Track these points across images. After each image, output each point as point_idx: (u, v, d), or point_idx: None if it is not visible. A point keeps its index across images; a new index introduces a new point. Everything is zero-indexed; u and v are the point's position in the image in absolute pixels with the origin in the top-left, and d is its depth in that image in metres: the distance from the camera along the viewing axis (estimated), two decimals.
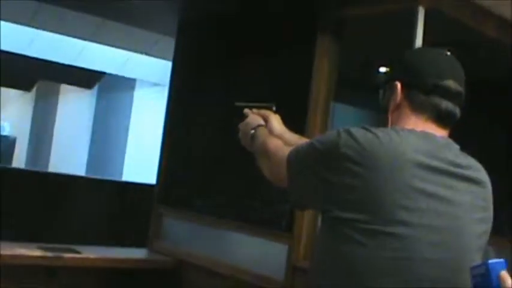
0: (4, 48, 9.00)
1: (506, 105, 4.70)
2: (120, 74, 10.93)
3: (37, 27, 7.40)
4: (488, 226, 1.72)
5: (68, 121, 13.99)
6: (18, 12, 6.04)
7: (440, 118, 1.75)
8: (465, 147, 1.80)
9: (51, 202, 4.42)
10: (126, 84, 12.24)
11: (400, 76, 1.79)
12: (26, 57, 10.54)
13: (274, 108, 2.29)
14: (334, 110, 3.74)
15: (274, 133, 2.17)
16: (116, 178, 10.60)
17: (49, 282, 3.84)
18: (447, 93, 1.74)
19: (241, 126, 2.23)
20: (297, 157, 1.77)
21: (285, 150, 1.84)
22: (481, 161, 1.81)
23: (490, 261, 1.26)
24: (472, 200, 1.69)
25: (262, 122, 2.20)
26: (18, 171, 5.57)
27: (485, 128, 4.83)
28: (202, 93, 4.54)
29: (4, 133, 12.21)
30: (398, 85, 1.78)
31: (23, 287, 3.70)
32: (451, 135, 1.80)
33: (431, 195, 1.59)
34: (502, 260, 1.26)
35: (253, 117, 2.24)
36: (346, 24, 3.66)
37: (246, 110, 2.28)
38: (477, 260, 1.59)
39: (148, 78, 11.19)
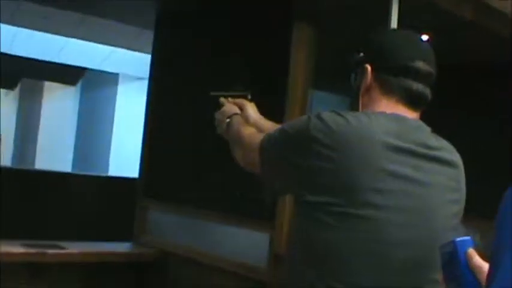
0: None
1: (490, 88, 4.72)
2: (102, 69, 10.89)
3: (16, 25, 7.36)
4: (460, 207, 1.73)
5: (53, 118, 13.93)
6: None
7: (411, 100, 1.75)
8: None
9: (33, 199, 4.41)
10: (109, 80, 12.21)
11: (370, 59, 1.80)
12: (7, 55, 10.48)
13: (249, 97, 2.30)
14: (313, 98, 3.74)
15: (249, 121, 2.17)
16: (101, 173, 10.59)
17: (33, 280, 3.83)
18: (417, 75, 1.75)
19: (217, 115, 2.24)
20: (269, 143, 1.78)
21: (258, 137, 1.85)
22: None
23: (457, 239, 1.27)
24: (443, 181, 1.70)
25: (237, 111, 2.21)
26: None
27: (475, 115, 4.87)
28: (181, 85, 4.53)
29: None
30: (369, 68, 1.78)
31: (6, 286, 3.68)
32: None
33: (401, 177, 1.60)
34: (468, 237, 1.27)
35: (229, 106, 2.24)
36: (322, 11, 3.66)
37: (222, 99, 2.29)
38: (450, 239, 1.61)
39: (131, 72, 11.17)
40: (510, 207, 0.94)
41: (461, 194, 1.76)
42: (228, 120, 2.17)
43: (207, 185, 4.18)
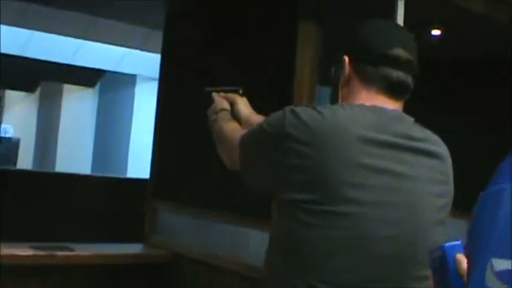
0: (1, 50, 9.00)
1: (500, 83, 4.64)
2: (118, 70, 10.92)
3: (27, 28, 7.39)
4: (448, 200, 1.67)
5: (72, 120, 13.99)
6: (6, 13, 6.01)
7: (392, 89, 1.70)
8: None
9: (44, 201, 4.40)
10: (126, 81, 12.24)
11: (347, 50, 1.75)
12: (28, 58, 10.55)
13: (240, 91, 2.27)
14: (320, 94, 3.70)
15: (240, 116, 2.14)
16: (120, 175, 10.61)
17: (42, 282, 3.82)
18: (396, 63, 1.69)
19: (208, 111, 2.22)
20: (248, 140, 1.75)
21: (240, 134, 1.82)
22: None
23: (446, 244, 1.22)
24: (427, 173, 1.64)
25: (226, 106, 2.18)
26: (7, 172, 5.55)
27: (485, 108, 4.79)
28: (190, 85, 4.50)
29: (7, 135, 12.21)
30: (346, 59, 1.74)
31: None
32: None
33: (381, 171, 1.55)
34: (458, 242, 1.22)
35: (219, 101, 2.22)
36: (326, 6, 3.62)
37: (214, 94, 2.26)
38: (436, 234, 1.56)
39: (148, 73, 11.18)
40: (485, 210, 0.89)
41: (449, 187, 1.70)
42: (214, 116, 2.14)
43: (218, 185, 4.15)
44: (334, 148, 1.53)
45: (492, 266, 0.83)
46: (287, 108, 1.64)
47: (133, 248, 4.39)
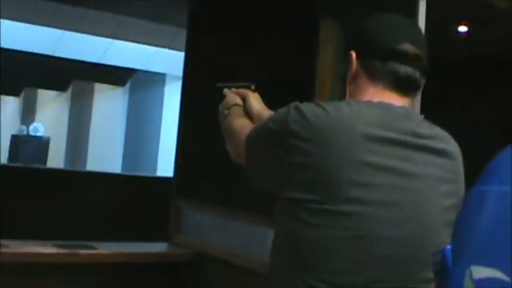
0: (31, 50, 9.09)
1: None
2: (148, 69, 10.96)
3: (57, 28, 7.44)
4: (457, 199, 1.60)
5: (103, 119, 14.09)
6: (37, 14, 6.07)
7: (399, 85, 1.65)
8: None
9: (68, 199, 4.42)
10: (156, 80, 12.28)
11: (355, 45, 1.72)
12: (60, 58, 10.64)
13: (253, 87, 2.24)
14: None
15: (252, 112, 2.11)
16: (150, 174, 10.65)
17: (66, 280, 3.83)
18: (404, 58, 1.65)
19: (220, 107, 2.20)
20: (254, 136, 1.72)
21: (248, 130, 1.79)
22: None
23: (447, 247, 1.19)
24: (435, 172, 1.59)
25: (238, 101, 2.15)
26: (28, 169, 5.58)
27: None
28: (213, 84, 4.49)
29: (38, 134, 12.31)
30: (353, 54, 1.70)
31: (39, 286, 3.69)
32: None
33: (386, 169, 1.51)
34: None
35: (231, 96, 2.19)
36: (347, 4, 3.58)
37: (225, 90, 2.24)
38: (444, 235, 1.51)
39: (177, 72, 11.18)
40: (467, 210, 0.86)
41: (458, 186, 1.65)
42: (226, 112, 2.11)
43: (241, 184, 4.12)
44: (337, 145, 1.50)
45: (471, 273, 0.79)
46: (292, 105, 1.61)
47: (157, 247, 4.39)
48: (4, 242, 3.73)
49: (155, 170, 11.64)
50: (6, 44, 9.11)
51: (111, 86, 13.94)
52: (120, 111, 13.95)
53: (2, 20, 7.28)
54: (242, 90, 2.22)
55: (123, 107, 13.97)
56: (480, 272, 0.78)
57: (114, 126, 13.86)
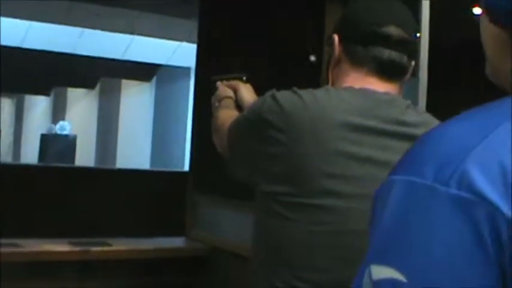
0: (53, 49, 9.12)
1: None
2: (171, 64, 10.95)
3: (74, 25, 7.45)
4: None
5: (131, 115, 14.13)
6: (51, 12, 6.06)
7: (383, 69, 1.56)
8: None
9: (83, 196, 4.39)
10: (181, 74, 12.26)
11: (337, 29, 1.63)
12: (85, 56, 10.70)
13: (244, 78, 2.18)
14: None
15: (244, 103, 2.05)
16: (178, 169, 10.63)
17: (80, 278, 3.81)
18: (388, 41, 1.55)
19: (212, 100, 2.14)
20: (234, 127, 1.66)
21: (231, 121, 1.73)
22: None
23: None
24: None
25: (230, 94, 2.08)
26: (42, 168, 5.57)
27: None
28: (229, 75, 4.43)
29: (64, 132, 12.36)
30: (336, 39, 1.61)
31: (52, 285, 3.68)
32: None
33: (365, 160, 1.43)
34: None
35: (222, 89, 2.13)
36: None
37: (218, 83, 2.18)
38: None
39: None
40: (375, 203, 0.78)
41: None
42: (216, 104, 2.05)
43: None
44: (312, 135, 1.42)
45: (370, 273, 0.71)
46: (269, 93, 1.54)
47: (173, 242, 4.35)
48: (17, 241, 3.73)
49: (183, 164, 11.62)
50: (29, 45, 9.19)
51: (137, 82, 13.97)
52: (147, 107, 13.97)
53: (21, 20, 7.32)
54: (233, 82, 2.16)
55: (150, 102, 13.99)
56: (379, 272, 0.69)
57: (141, 121, 13.89)
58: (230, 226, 4.24)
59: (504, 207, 0.64)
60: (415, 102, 2.46)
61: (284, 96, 1.50)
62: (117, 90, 14.58)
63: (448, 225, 0.66)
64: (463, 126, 0.73)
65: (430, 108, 2.50)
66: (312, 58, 2.15)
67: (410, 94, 2.45)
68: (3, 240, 3.65)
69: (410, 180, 0.71)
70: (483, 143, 0.68)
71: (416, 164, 0.72)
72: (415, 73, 1.85)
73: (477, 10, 4.19)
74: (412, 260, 0.67)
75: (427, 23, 2.59)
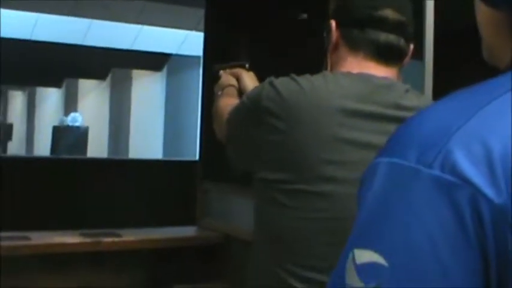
0: (63, 40, 9.13)
1: None
2: (181, 53, 10.93)
3: (82, 17, 7.45)
4: None
5: (143, 105, 14.13)
6: (58, 4, 6.06)
7: (380, 53, 1.55)
8: None
9: (92, 187, 4.41)
10: (192, 63, 12.24)
11: (334, 14, 1.62)
12: (95, 47, 10.71)
13: (247, 66, 2.17)
14: None
15: (247, 91, 2.04)
16: (190, 158, 10.62)
17: (91, 269, 3.81)
18: (385, 24, 1.55)
19: (214, 88, 2.13)
20: (234, 115, 1.65)
21: (230, 109, 1.72)
22: None
23: None
24: None
25: (233, 82, 2.08)
26: (52, 160, 5.58)
27: None
28: (232, 63, 4.41)
29: (76, 124, 12.37)
30: (333, 24, 1.61)
31: (63, 277, 3.68)
32: None
33: (363, 145, 1.42)
34: None
35: (225, 77, 2.13)
36: None
37: (220, 71, 2.18)
38: None
39: None
40: (361, 186, 0.77)
41: None
42: (219, 93, 2.05)
43: None
44: (309, 122, 1.41)
45: (354, 257, 0.70)
46: (267, 80, 1.54)
47: (185, 232, 4.35)
48: (28, 233, 3.74)
49: (195, 153, 11.61)
50: (39, 37, 9.20)
51: (148, 72, 13.97)
52: (159, 96, 13.97)
53: (29, 13, 7.33)
54: (236, 70, 2.16)
55: (161, 91, 13.98)
56: (362, 256, 0.68)
57: (153, 111, 13.89)
58: (242, 214, 4.23)
59: (487, 190, 0.63)
60: (421, 85, 2.43)
61: (282, 83, 1.50)
62: (128, 81, 14.58)
63: (430, 208, 0.65)
64: (448, 107, 0.72)
65: (437, 91, 2.48)
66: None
67: (416, 77, 2.43)
68: (15, 233, 3.66)
69: (393, 162, 0.69)
70: (467, 124, 0.67)
71: (400, 146, 0.71)
72: (421, 56, 1.83)
73: None
74: (393, 243, 0.66)
75: (432, 4, 2.56)
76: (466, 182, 0.64)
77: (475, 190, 0.64)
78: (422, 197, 0.66)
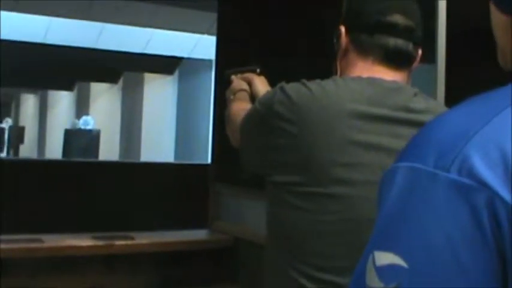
0: (76, 44, 9.17)
1: None
2: (193, 57, 10.96)
3: (94, 20, 7.49)
4: None
5: (155, 109, 14.17)
6: (73, 8, 6.09)
7: (389, 58, 1.57)
8: None
9: (104, 190, 4.43)
10: (203, 66, 12.27)
11: (343, 20, 1.64)
12: (107, 51, 10.75)
13: (258, 70, 2.18)
14: None
15: (258, 95, 2.05)
16: (202, 161, 10.65)
17: (104, 272, 3.83)
18: (394, 29, 1.56)
19: (226, 93, 2.14)
20: (246, 120, 1.67)
21: (243, 114, 1.73)
22: None
23: None
24: None
25: (244, 87, 2.09)
26: (66, 163, 5.61)
27: None
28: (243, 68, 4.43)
29: (88, 127, 12.42)
30: (342, 29, 1.62)
31: (76, 280, 3.70)
32: None
33: (374, 148, 1.43)
34: None
35: (237, 82, 2.14)
36: None
37: (232, 76, 2.19)
38: None
39: None
40: (380, 191, 0.78)
41: None
42: (231, 97, 2.06)
43: None
44: (321, 125, 1.43)
45: (374, 259, 0.71)
46: (278, 85, 1.56)
47: (196, 235, 4.36)
48: (41, 236, 3.76)
49: (206, 157, 11.63)
50: (51, 40, 9.25)
51: (160, 75, 14.01)
52: (170, 100, 14.00)
53: (42, 16, 7.37)
54: (247, 75, 2.17)
55: (173, 95, 14.02)
56: (382, 258, 0.70)
57: (165, 115, 13.93)
58: (254, 217, 4.24)
59: (504, 194, 0.64)
60: (433, 88, 2.44)
61: (293, 88, 1.52)
62: (140, 84, 14.62)
63: (448, 210, 0.66)
64: (465, 112, 0.73)
65: (449, 94, 2.48)
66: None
67: (429, 80, 2.44)
68: (28, 236, 3.69)
69: (412, 167, 0.71)
70: (484, 129, 0.68)
71: (419, 151, 0.72)
72: (433, 59, 1.84)
73: None
74: (412, 245, 0.68)
75: (444, 6, 2.56)
76: (483, 185, 0.65)
77: (492, 193, 0.65)
78: (441, 200, 0.67)
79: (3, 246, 3.37)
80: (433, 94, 2.43)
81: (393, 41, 1.57)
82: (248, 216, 4.30)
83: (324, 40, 3.56)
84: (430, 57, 2.43)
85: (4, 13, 6.17)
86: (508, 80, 0.77)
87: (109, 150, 14.60)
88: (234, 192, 4.43)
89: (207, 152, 11.89)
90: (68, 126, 13.56)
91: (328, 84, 1.50)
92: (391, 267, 0.68)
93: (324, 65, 3.48)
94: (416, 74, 1.69)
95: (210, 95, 12.25)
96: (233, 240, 4.20)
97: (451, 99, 1.70)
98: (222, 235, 4.28)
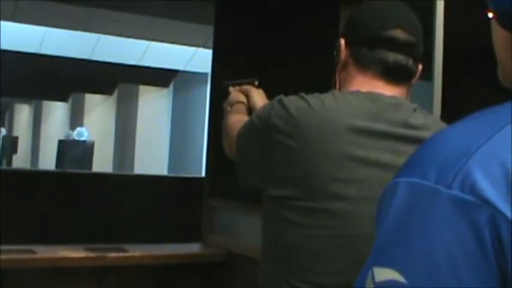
0: (71, 55, 9.17)
1: None
2: (188, 70, 10.97)
3: (89, 31, 7.48)
4: None
5: (149, 121, 14.16)
6: (70, 19, 6.09)
7: (389, 73, 1.56)
8: None
9: (98, 202, 4.41)
10: (199, 80, 12.27)
11: (343, 33, 1.63)
12: (103, 62, 10.75)
13: (256, 83, 2.17)
14: None
15: (256, 108, 2.04)
16: (196, 175, 10.63)
17: (96, 284, 3.81)
18: (394, 44, 1.55)
19: (223, 105, 2.13)
20: (243, 133, 1.66)
21: (239, 127, 1.72)
22: None
23: None
24: None
25: (242, 99, 2.08)
26: (57, 174, 5.60)
27: None
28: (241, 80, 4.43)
29: (82, 138, 12.38)
30: (342, 42, 1.61)
31: None
32: None
33: (372, 163, 1.42)
34: None
35: (234, 94, 2.13)
36: None
37: (230, 88, 2.18)
38: None
39: None
40: (380, 205, 0.77)
41: None
42: (228, 109, 2.05)
43: None
44: (318, 140, 1.42)
45: (373, 275, 0.70)
46: (276, 98, 1.55)
47: (190, 248, 4.34)
48: (34, 247, 3.74)
49: (201, 170, 11.61)
50: (46, 51, 9.24)
51: (155, 88, 14.01)
52: (165, 112, 14.00)
53: (40, 27, 7.37)
54: (245, 87, 2.16)
55: (168, 108, 14.02)
56: (381, 274, 0.69)
57: (159, 127, 13.92)
58: (247, 231, 4.22)
59: (506, 210, 0.64)
60: (429, 105, 2.44)
61: (291, 101, 1.50)
62: (135, 96, 14.61)
63: (449, 227, 0.66)
64: (467, 128, 0.73)
65: (446, 112, 2.48)
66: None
67: (425, 98, 2.43)
68: (19, 247, 3.67)
69: (413, 182, 0.70)
70: (486, 145, 0.68)
71: (420, 166, 0.72)
72: (430, 77, 1.84)
73: (489, 14, 4.17)
74: (412, 262, 0.67)
75: (441, 24, 2.56)
76: (485, 201, 0.65)
77: (494, 210, 0.64)
78: (442, 216, 0.66)
79: None
80: (429, 111, 2.43)
81: (393, 56, 1.55)
82: (242, 230, 4.28)
83: (321, 54, 3.57)
84: (427, 74, 2.43)
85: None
86: (505, 97, 0.77)
87: (103, 162, 14.55)
88: (228, 205, 4.41)
89: (201, 165, 11.89)
90: (62, 137, 13.51)
91: (327, 98, 1.49)
92: (391, 283, 0.67)
93: (321, 79, 3.48)
94: (412, 91, 1.69)
95: (205, 108, 12.28)
96: (226, 254, 4.18)
97: (447, 116, 1.70)
98: (216, 249, 4.26)
